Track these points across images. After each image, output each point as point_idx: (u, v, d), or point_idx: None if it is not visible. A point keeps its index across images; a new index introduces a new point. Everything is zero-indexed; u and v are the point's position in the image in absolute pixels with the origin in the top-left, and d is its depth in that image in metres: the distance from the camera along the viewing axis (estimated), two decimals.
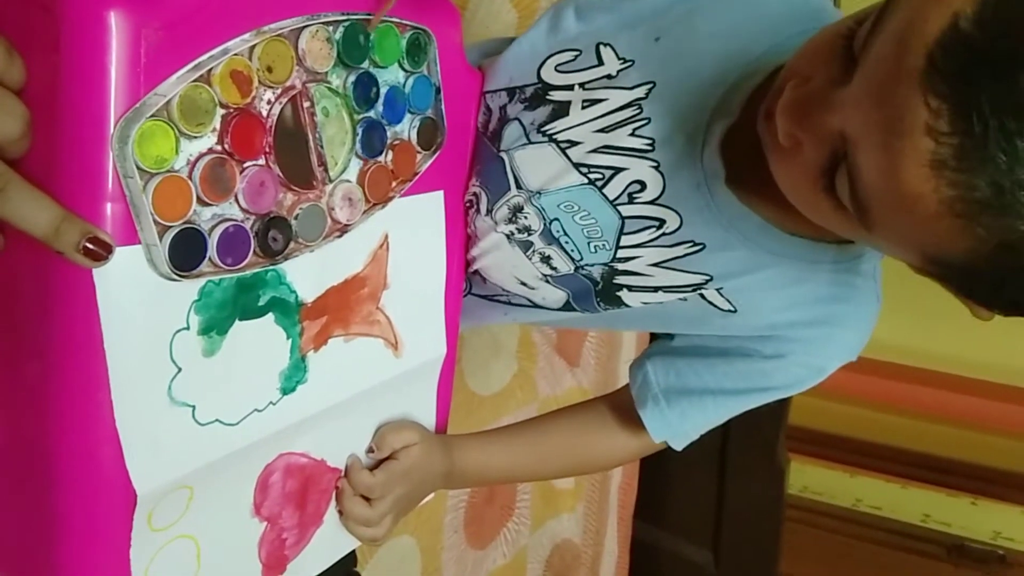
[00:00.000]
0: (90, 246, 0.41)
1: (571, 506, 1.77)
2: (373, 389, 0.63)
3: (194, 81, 0.45)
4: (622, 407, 0.75)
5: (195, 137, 0.46)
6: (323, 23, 0.51)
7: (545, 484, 1.67)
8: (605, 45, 0.63)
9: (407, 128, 0.60)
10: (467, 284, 0.76)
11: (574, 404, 0.80)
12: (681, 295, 0.65)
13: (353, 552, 0.72)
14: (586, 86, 0.62)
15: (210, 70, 0.45)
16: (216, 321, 0.49)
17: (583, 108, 0.63)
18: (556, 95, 0.64)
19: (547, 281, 0.71)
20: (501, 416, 1.49)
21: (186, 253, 0.46)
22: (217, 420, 0.51)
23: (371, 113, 0.56)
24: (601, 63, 0.62)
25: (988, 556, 1.91)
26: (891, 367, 2.12)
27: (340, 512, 0.66)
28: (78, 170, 0.42)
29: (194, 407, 0.50)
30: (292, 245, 0.52)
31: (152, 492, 0.48)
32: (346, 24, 0.53)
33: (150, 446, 0.48)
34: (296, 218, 0.52)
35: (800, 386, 0.66)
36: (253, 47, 0.48)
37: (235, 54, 0.46)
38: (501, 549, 1.39)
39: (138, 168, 0.43)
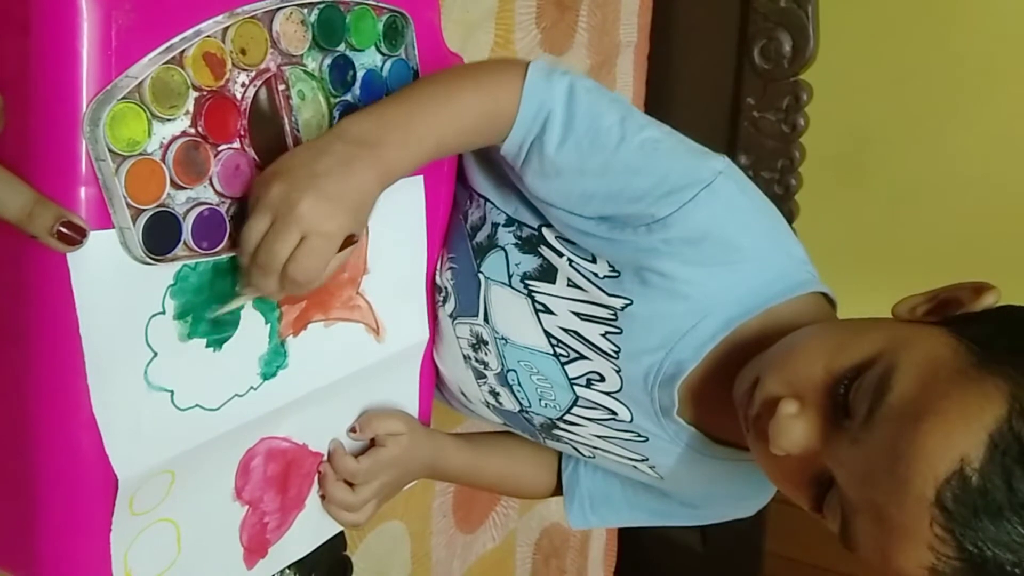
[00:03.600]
0: (64, 230, 0.41)
1: None
2: (355, 374, 0.63)
3: (166, 63, 0.44)
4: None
5: (168, 120, 0.45)
6: (298, 5, 0.51)
7: None
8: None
9: None
10: None
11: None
12: (616, 460, 0.70)
13: (343, 536, 0.72)
14: (574, 265, 0.63)
15: (182, 52, 0.45)
16: (192, 306, 0.49)
17: (567, 286, 0.64)
18: (548, 253, 0.64)
19: (487, 406, 0.73)
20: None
21: (160, 237, 0.46)
22: (197, 405, 0.51)
23: (348, 96, 0.56)
24: (593, 261, 0.62)
25: None
26: None
27: (323, 496, 0.66)
28: (51, 153, 0.42)
29: (172, 392, 0.50)
30: None
31: (134, 477, 0.49)
32: (321, 6, 0.53)
33: (130, 431, 0.48)
34: None
35: (704, 523, 0.74)
36: (226, 29, 0.47)
37: (208, 36, 0.46)
38: (490, 533, 1.38)
39: (110, 151, 0.42)
